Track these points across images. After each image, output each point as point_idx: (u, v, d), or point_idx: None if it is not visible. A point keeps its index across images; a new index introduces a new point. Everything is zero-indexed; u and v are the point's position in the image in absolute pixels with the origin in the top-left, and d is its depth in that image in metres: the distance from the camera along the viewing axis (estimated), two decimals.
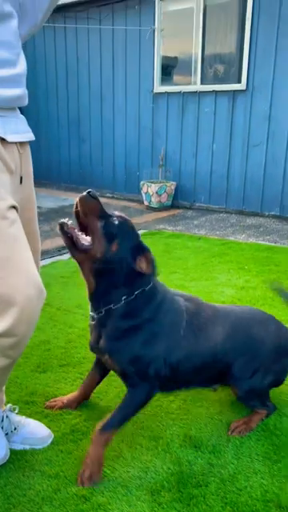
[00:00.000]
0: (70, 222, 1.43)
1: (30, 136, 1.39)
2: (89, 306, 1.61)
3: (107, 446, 1.51)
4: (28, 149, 1.42)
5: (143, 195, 6.15)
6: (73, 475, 1.47)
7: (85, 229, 1.45)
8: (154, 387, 1.57)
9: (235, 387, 1.67)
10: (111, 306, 1.51)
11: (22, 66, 1.29)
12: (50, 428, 1.66)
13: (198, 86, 5.83)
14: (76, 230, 1.44)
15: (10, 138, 1.26)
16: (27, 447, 1.59)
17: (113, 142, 6.84)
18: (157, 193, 5.94)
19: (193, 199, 6.17)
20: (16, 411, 1.67)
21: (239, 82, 5.49)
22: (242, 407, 1.79)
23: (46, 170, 7.33)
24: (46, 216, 5.30)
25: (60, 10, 6.42)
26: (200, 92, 5.81)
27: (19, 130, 1.33)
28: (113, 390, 1.92)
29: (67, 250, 1.50)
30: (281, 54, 5.12)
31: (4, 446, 1.52)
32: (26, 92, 1.34)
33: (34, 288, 1.21)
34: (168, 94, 6.08)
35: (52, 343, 2.34)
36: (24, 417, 1.68)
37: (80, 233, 1.44)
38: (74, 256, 1.48)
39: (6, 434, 1.58)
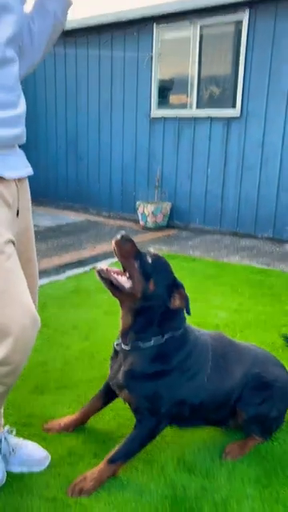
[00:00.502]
0: (105, 268, 1.52)
1: (28, 171, 1.47)
2: (115, 340, 1.68)
3: (113, 476, 1.57)
4: (26, 183, 1.49)
5: (139, 215, 6.25)
6: (70, 499, 1.50)
7: (125, 269, 1.55)
8: (161, 423, 1.62)
9: (242, 411, 1.72)
10: (139, 343, 1.58)
11: (22, 107, 1.37)
12: (47, 450, 1.70)
13: (194, 112, 6.00)
14: (113, 273, 1.52)
15: (8, 175, 1.33)
16: (25, 469, 1.62)
17: (110, 162, 6.98)
18: (152, 213, 6.04)
19: (188, 220, 6.28)
20: (14, 433, 1.71)
21: (234, 108, 5.66)
22: (234, 432, 1.83)
23: (44, 189, 7.43)
24: (43, 235, 5.37)
25: (61, 35, 6.60)
26: (195, 117, 5.97)
27: (17, 167, 1.40)
28: (109, 412, 1.96)
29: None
30: (274, 82, 5.31)
31: (2, 468, 1.56)
32: (25, 130, 1.43)
33: (29, 318, 1.27)
34: (164, 118, 6.25)
35: (49, 365, 2.38)
36: (22, 439, 1.72)
37: (117, 275, 1.52)
38: (117, 297, 1.57)
39: (4, 456, 1.62)
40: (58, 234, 5.59)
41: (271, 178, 5.52)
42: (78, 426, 1.85)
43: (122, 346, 1.62)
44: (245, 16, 5.36)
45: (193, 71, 5.95)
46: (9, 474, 1.58)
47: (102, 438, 1.82)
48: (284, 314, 3.16)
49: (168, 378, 1.59)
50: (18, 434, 1.75)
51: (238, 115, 5.61)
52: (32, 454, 1.67)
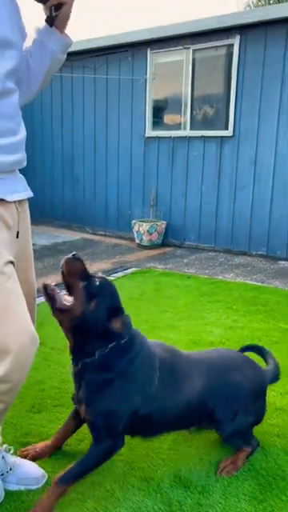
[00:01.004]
0: (52, 284, 1.53)
1: (27, 194, 1.53)
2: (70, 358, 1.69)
3: (61, 498, 1.53)
4: (26, 205, 1.55)
5: (135, 233, 6.32)
6: None
7: (70, 288, 1.55)
8: (116, 445, 1.62)
9: (219, 430, 1.76)
10: (87, 359, 1.58)
11: (22, 134, 1.44)
12: (43, 468, 1.71)
13: (188, 132, 6.14)
14: (58, 291, 1.53)
15: (9, 198, 1.39)
16: (22, 488, 1.64)
17: (105, 181, 7.09)
18: (148, 231, 6.12)
19: (183, 238, 6.35)
20: (11, 452, 1.73)
21: (226, 128, 5.80)
22: (229, 447, 1.86)
23: (40, 209, 7.51)
24: (39, 253, 5.42)
25: None
26: (189, 137, 6.11)
27: (18, 190, 1.46)
28: None
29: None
30: (265, 103, 5.47)
31: (0, 486, 1.57)
32: (25, 155, 1.49)
33: (28, 336, 1.31)
34: (159, 138, 6.38)
35: (46, 383, 2.40)
36: (19, 458, 1.74)
37: (62, 293, 1.53)
38: (55, 316, 1.57)
39: (2, 475, 1.63)
40: (54, 253, 5.64)
41: (264, 196, 5.62)
42: (54, 451, 1.83)
43: (73, 366, 1.64)
44: (236, 41, 5.55)
45: (186, 93, 6.11)
46: (6, 492, 1.60)
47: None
48: (278, 331, 3.21)
49: (113, 387, 1.59)
50: (16, 453, 1.77)
51: (231, 134, 5.75)
52: (29, 472, 1.69)
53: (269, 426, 2.03)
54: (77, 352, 1.61)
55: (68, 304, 1.52)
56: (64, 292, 1.55)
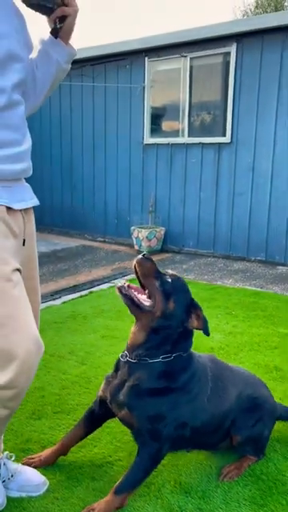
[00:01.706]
0: (126, 284, 1.55)
1: (34, 202, 1.56)
2: (121, 353, 1.68)
3: (121, 507, 1.56)
4: (32, 213, 1.57)
5: (134, 240, 6.35)
6: None
7: (142, 286, 1.58)
8: (162, 448, 1.61)
9: (237, 434, 1.76)
10: (148, 358, 1.59)
11: (27, 144, 1.47)
12: (45, 475, 1.71)
13: (186, 139, 6.18)
14: (134, 291, 1.55)
15: (15, 207, 1.41)
16: (24, 495, 1.64)
17: (104, 188, 7.12)
18: (147, 238, 6.14)
19: (181, 244, 6.38)
20: (12, 459, 1.73)
21: (224, 135, 5.84)
22: (229, 453, 1.86)
23: (39, 215, 7.45)
24: (38, 261, 5.41)
25: None
26: (187, 144, 6.16)
27: (24, 198, 1.49)
28: (105, 436, 1.99)
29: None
30: (262, 110, 5.52)
31: (2, 493, 1.58)
32: (31, 164, 1.52)
33: (34, 343, 1.33)
34: (157, 145, 6.43)
35: (46, 390, 2.41)
36: (20, 464, 1.74)
37: (136, 293, 1.55)
38: (134, 314, 1.59)
39: (3, 482, 1.64)
40: (53, 260, 5.66)
41: (262, 202, 5.66)
42: (59, 457, 1.81)
43: (128, 359, 1.62)
44: (232, 49, 5.61)
45: (184, 100, 6.16)
46: (8, 499, 1.60)
47: (100, 461, 1.84)
48: (277, 336, 3.22)
49: (172, 397, 1.59)
50: (17, 460, 1.77)
51: (229, 141, 5.79)
52: (30, 479, 1.69)
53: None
54: (142, 350, 1.59)
55: (148, 304, 1.54)
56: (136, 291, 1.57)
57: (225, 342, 3.11)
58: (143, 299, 1.55)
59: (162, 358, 1.58)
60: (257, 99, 5.53)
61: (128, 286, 1.55)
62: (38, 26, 1.68)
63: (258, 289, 4.50)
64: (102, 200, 7.18)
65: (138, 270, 1.56)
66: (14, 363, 1.28)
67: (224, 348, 2.99)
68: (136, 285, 1.60)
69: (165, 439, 1.60)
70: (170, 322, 1.57)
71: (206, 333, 1.60)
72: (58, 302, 3.97)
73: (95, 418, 1.77)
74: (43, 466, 1.78)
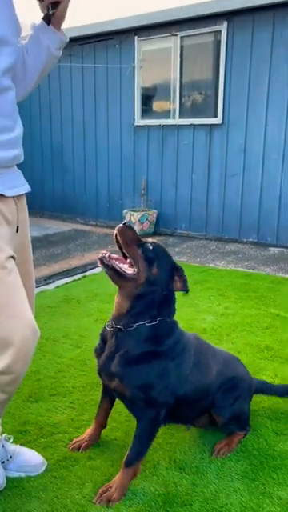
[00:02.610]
0: (107, 254, 1.55)
1: (26, 188, 1.56)
2: (104, 325, 1.70)
3: (135, 477, 1.63)
4: (24, 200, 1.57)
5: None
6: (67, 500, 1.57)
7: (123, 255, 1.59)
8: (160, 412, 1.63)
9: (219, 415, 1.81)
10: (134, 324, 1.60)
11: (18, 130, 1.46)
12: (43, 456, 1.76)
13: (177, 120, 6.13)
14: (115, 261, 1.56)
15: (8, 193, 1.42)
16: (23, 474, 1.68)
17: (96, 172, 7.07)
18: (139, 221, 6.14)
19: (174, 227, 6.39)
20: (11, 440, 1.77)
21: (215, 116, 5.80)
22: (222, 431, 1.92)
23: (30, 199, 7.43)
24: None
25: None
26: (179, 125, 6.11)
27: (16, 185, 1.49)
28: None
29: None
30: (253, 91, 5.47)
31: (1, 473, 1.62)
32: (22, 151, 1.51)
33: (30, 329, 1.35)
34: (148, 127, 6.37)
35: (42, 373, 2.44)
36: (19, 446, 1.78)
37: (118, 262, 1.56)
38: (118, 284, 1.59)
39: (2, 463, 1.68)
40: (45, 244, 5.65)
41: (254, 184, 5.66)
42: (101, 433, 1.88)
43: (115, 326, 1.63)
44: (223, 27, 5.53)
45: (175, 81, 6.09)
46: (7, 479, 1.64)
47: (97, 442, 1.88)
48: (268, 316, 3.27)
49: (159, 362, 1.61)
50: (15, 441, 1.81)
51: (220, 122, 5.76)
52: (29, 460, 1.73)
53: (260, 409, 2.10)
54: (128, 317, 1.60)
55: (131, 272, 1.55)
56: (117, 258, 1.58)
57: (217, 323, 3.15)
58: (125, 268, 1.56)
59: (148, 323, 1.60)
60: (248, 79, 5.48)
61: (109, 257, 1.56)
62: (29, 10, 1.65)
63: (250, 270, 4.55)
64: (93, 183, 7.14)
65: (119, 238, 1.57)
66: (11, 349, 1.30)
67: (216, 329, 3.04)
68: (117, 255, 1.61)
69: (161, 405, 1.63)
70: (155, 287, 1.58)
71: (186, 290, 1.64)
72: (51, 286, 3.98)
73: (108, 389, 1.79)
74: (91, 445, 1.84)
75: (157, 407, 1.62)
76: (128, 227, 1.58)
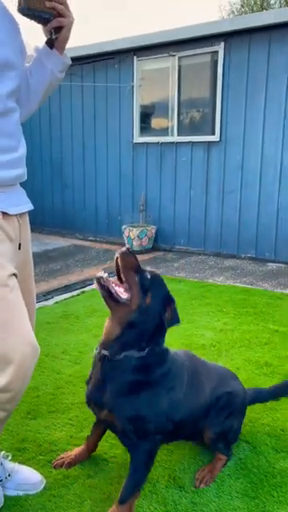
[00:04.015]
0: (105, 275, 1.55)
1: (28, 206, 1.58)
2: (93, 353, 1.68)
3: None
4: (27, 217, 1.60)
5: (125, 239, 6.37)
6: None
7: (120, 279, 1.59)
8: (155, 444, 1.62)
9: (209, 429, 1.78)
10: (123, 352, 1.57)
11: (22, 150, 1.49)
12: (41, 473, 1.75)
13: (175, 138, 6.22)
14: (112, 284, 1.55)
15: (11, 211, 1.44)
16: (21, 493, 1.67)
17: (95, 188, 7.13)
18: (138, 236, 6.17)
19: (172, 242, 6.42)
20: (9, 458, 1.76)
21: (213, 134, 5.89)
22: (209, 449, 1.89)
23: (30, 215, 7.51)
24: None
25: None
26: (177, 143, 6.19)
27: (20, 203, 1.52)
28: None
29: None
30: (250, 109, 5.57)
31: (0, 491, 1.61)
32: (25, 170, 1.55)
33: (30, 347, 1.35)
34: (147, 144, 6.45)
35: (41, 390, 2.44)
36: (17, 464, 1.77)
37: (114, 285, 1.55)
38: (110, 307, 1.58)
39: (1, 481, 1.66)
40: (45, 260, 5.67)
41: (251, 200, 5.72)
42: (89, 455, 1.87)
43: (103, 352, 1.60)
44: (220, 48, 5.65)
45: (173, 99, 6.20)
46: (5, 498, 1.63)
47: (95, 459, 1.87)
48: (267, 332, 3.27)
49: (149, 392, 1.60)
50: (13, 459, 1.80)
51: (218, 140, 5.84)
52: (27, 478, 1.72)
53: (260, 425, 2.09)
54: (117, 344, 1.58)
55: (125, 297, 1.55)
56: (114, 280, 1.58)
57: (216, 339, 3.15)
58: (120, 292, 1.55)
59: (136, 353, 1.57)
60: (245, 98, 5.59)
61: (106, 278, 1.55)
62: (33, 31, 1.69)
63: (249, 286, 4.56)
64: (92, 199, 7.20)
65: (119, 262, 1.57)
66: (11, 367, 1.30)
67: (215, 345, 3.04)
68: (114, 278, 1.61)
69: (154, 434, 1.61)
70: (146, 317, 1.57)
71: (177, 321, 1.63)
72: (50, 302, 3.98)
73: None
74: (75, 464, 1.82)
75: (150, 438, 1.60)
76: (130, 252, 1.59)
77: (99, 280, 1.54)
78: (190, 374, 1.76)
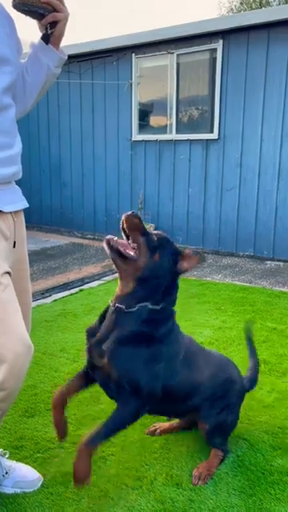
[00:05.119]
0: (115, 238, 1.60)
1: (23, 204, 1.58)
2: (109, 304, 1.68)
3: (92, 456, 1.56)
4: (22, 215, 1.59)
5: (124, 237, 6.36)
6: None
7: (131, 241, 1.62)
8: (143, 407, 1.62)
9: (205, 422, 1.79)
10: (135, 306, 1.60)
11: (18, 147, 1.49)
12: (39, 471, 1.75)
13: (174, 135, 6.21)
14: (121, 243, 1.60)
15: (6, 209, 1.44)
16: (18, 491, 1.67)
17: (93, 185, 7.12)
18: None
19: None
20: (7, 456, 1.76)
21: (212, 131, 5.88)
22: (206, 443, 1.88)
23: (28, 213, 7.48)
24: (28, 258, 5.42)
25: None
26: (175, 140, 6.19)
27: (14, 200, 1.51)
28: None
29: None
30: (249, 106, 5.56)
31: None
32: (21, 167, 1.54)
33: (23, 345, 1.35)
34: (145, 142, 6.44)
35: (39, 388, 2.44)
36: (14, 461, 1.77)
37: (123, 248, 1.59)
38: (119, 266, 1.62)
39: None
40: (43, 258, 5.66)
41: (250, 198, 5.71)
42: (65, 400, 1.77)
43: (117, 305, 1.64)
44: (219, 45, 5.64)
45: (171, 97, 6.18)
46: (2, 495, 1.63)
47: (93, 458, 1.87)
48: (265, 330, 3.28)
49: (150, 347, 1.62)
50: (11, 457, 1.80)
51: (216, 137, 5.84)
52: (25, 476, 1.72)
53: (257, 423, 2.09)
54: (130, 299, 1.61)
55: (133, 254, 1.59)
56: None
57: (214, 336, 3.16)
58: (128, 250, 1.60)
59: (151, 305, 1.61)
60: (243, 95, 5.58)
61: (116, 241, 1.60)
62: (28, 26, 1.68)
63: (247, 284, 4.57)
64: (91, 197, 7.19)
65: (125, 224, 1.61)
66: (4, 366, 1.30)
67: (213, 343, 3.04)
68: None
69: (145, 396, 1.60)
70: (157, 272, 1.61)
71: (200, 261, 1.66)
72: (48, 300, 3.98)
73: (90, 378, 1.74)
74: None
75: (141, 398, 1.60)
76: (135, 215, 1.63)
77: (109, 241, 1.59)
78: (188, 347, 1.79)
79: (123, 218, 1.61)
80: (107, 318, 1.68)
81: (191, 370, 1.77)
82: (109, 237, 1.60)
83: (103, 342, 1.63)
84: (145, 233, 1.63)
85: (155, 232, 1.68)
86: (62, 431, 1.75)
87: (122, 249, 1.58)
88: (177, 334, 1.76)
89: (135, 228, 1.62)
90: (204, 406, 1.79)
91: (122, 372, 1.59)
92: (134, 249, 1.60)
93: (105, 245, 1.60)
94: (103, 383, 1.69)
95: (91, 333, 1.71)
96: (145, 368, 1.61)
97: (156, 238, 1.64)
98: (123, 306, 1.62)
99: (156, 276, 1.62)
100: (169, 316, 1.69)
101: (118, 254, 1.59)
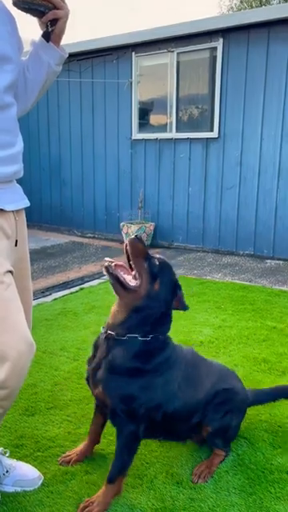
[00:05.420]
0: (113, 264, 1.58)
1: (25, 203, 1.57)
2: (98, 335, 1.70)
3: (118, 494, 1.61)
4: (23, 214, 1.59)
5: (123, 235, 6.37)
6: None
7: (130, 267, 1.62)
8: (140, 426, 1.63)
9: (208, 425, 1.79)
10: (125, 335, 1.60)
11: (19, 146, 1.48)
12: (39, 470, 1.75)
13: (174, 134, 6.20)
14: (120, 270, 1.59)
15: (7, 208, 1.43)
16: (19, 489, 1.67)
17: (93, 184, 7.12)
18: (136, 233, 6.16)
19: (171, 239, 6.42)
20: (7, 454, 1.76)
21: (212, 130, 5.88)
22: (207, 444, 1.89)
23: (28, 212, 7.47)
24: None
25: None
26: (175, 139, 6.18)
27: (16, 199, 1.51)
28: None
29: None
30: (249, 105, 5.56)
31: None
32: (22, 166, 1.54)
33: (25, 344, 1.35)
34: (145, 140, 6.44)
35: (39, 386, 2.44)
36: (15, 460, 1.77)
37: (123, 273, 1.58)
38: (118, 293, 1.61)
39: None
40: (43, 257, 5.66)
41: (250, 197, 5.71)
42: (93, 448, 1.87)
43: (109, 332, 1.64)
44: (219, 43, 5.63)
45: (171, 95, 6.17)
46: (2, 494, 1.63)
47: (93, 456, 1.87)
48: (265, 329, 3.28)
49: (144, 379, 1.62)
50: (11, 456, 1.80)
51: (216, 136, 5.83)
52: (25, 474, 1.72)
53: (257, 422, 2.10)
54: (122, 328, 1.62)
55: (134, 284, 1.58)
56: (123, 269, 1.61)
57: (214, 335, 3.16)
58: (129, 279, 1.58)
59: (140, 337, 1.61)
60: (243, 94, 5.57)
61: (115, 266, 1.59)
62: (28, 23, 1.68)
63: (247, 283, 4.57)
64: (91, 196, 7.19)
65: (128, 249, 1.59)
66: (6, 364, 1.30)
67: (213, 342, 3.05)
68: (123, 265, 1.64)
69: (141, 418, 1.61)
70: (154, 303, 1.60)
71: (184, 307, 1.70)
72: (48, 298, 3.98)
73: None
74: (82, 460, 1.83)
75: (137, 420, 1.61)
76: (139, 240, 1.61)
77: (108, 268, 1.57)
78: (187, 368, 1.76)
79: (127, 241, 1.60)
80: (100, 346, 1.69)
81: (195, 389, 1.76)
82: (107, 263, 1.58)
83: (98, 370, 1.65)
84: (148, 258, 1.61)
85: (157, 256, 1.66)
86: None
87: (122, 278, 1.57)
88: (175, 359, 1.73)
89: (139, 254, 1.60)
90: (207, 411, 1.78)
91: (116, 401, 1.60)
92: (135, 277, 1.59)
93: (104, 271, 1.58)
94: (103, 409, 1.72)
95: (88, 362, 1.73)
96: (138, 396, 1.61)
97: (158, 264, 1.62)
98: (114, 334, 1.62)
99: (152, 306, 1.61)
100: (162, 345, 1.68)
101: (118, 283, 1.58)
